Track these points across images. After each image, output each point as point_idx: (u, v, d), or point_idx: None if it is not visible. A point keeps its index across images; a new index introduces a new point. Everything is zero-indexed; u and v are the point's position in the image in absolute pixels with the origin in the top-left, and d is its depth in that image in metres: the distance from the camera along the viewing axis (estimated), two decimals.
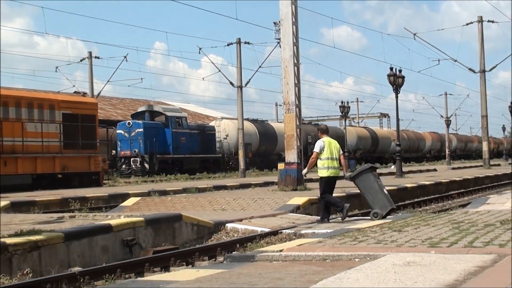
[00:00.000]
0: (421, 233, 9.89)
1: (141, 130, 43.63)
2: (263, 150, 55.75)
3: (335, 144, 15.54)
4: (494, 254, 7.46)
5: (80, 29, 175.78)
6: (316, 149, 15.33)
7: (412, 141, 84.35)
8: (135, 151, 43.50)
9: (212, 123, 55.56)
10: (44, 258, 10.90)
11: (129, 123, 44.28)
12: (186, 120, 48.79)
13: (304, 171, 16.51)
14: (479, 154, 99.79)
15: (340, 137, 66.76)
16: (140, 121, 44.70)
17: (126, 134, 43.50)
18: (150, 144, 43.36)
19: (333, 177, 15.42)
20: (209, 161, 49.75)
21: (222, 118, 58.62)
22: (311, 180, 28.88)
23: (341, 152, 15.65)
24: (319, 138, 15.81)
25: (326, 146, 15.27)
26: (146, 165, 43.57)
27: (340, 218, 15.44)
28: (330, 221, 15.17)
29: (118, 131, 43.89)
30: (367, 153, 73.73)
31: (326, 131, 16.14)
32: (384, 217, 14.29)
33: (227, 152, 53.29)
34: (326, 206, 15.54)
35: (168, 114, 46.41)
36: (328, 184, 15.46)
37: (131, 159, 43.57)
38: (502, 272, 6.36)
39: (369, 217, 14.99)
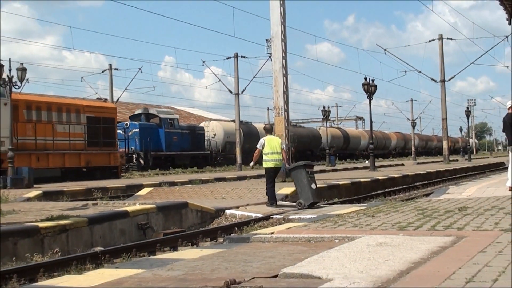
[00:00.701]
0: (391, 218, 9.87)
1: (137, 130, 42.74)
2: (247, 148, 53.31)
3: (276, 140, 15.94)
4: (453, 236, 7.44)
5: (102, 45, 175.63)
6: (258, 146, 15.75)
7: (380, 140, 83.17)
8: (131, 149, 42.51)
9: (201, 124, 54.67)
10: (71, 239, 10.89)
11: (126, 124, 43.14)
12: (178, 121, 47.86)
13: (251, 164, 16.85)
14: (438, 151, 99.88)
15: (315, 136, 66.72)
16: (136, 122, 43.75)
17: (124, 134, 42.15)
18: (145, 142, 42.55)
19: (275, 167, 15.75)
20: (199, 157, 49.02)
21: (211, 119, 57.96)
22: None
23: (283, 147, 16.01)
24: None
25: (267, 143, 15.60)
26: (142, 161, 42.75)
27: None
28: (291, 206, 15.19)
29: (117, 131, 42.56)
30: (340, 150, 72.81)
31: (269, 130, 16.56)
32: (306, 207, 14.78)
33: (214, 149, 52.72)
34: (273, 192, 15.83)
35: (162, 116, 45.49)
36: (271, 174, 15.72)
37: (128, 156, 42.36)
38: (460, 252, 6.34)
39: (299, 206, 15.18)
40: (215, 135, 53.09)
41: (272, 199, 15.69)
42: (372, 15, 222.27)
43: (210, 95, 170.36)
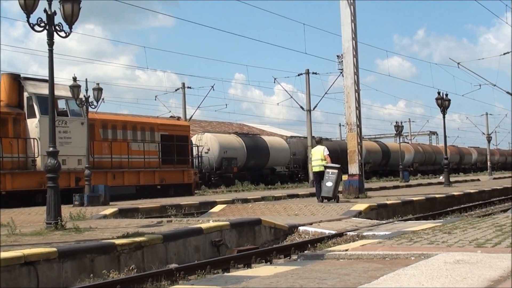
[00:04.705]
0: (468, 235, 9.63)
1: None
2: (252, 165, 47.30)
3: (318, 150, 20.52)
4: None
5: (173, 64, 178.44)
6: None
7: (428, 154, 75.84)
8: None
9: (193, 138, 44.41)
10: (146, 256, 11.04)
11: None
12: None
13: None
14: (501, 166, 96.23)
15: (344, 151, 62.45)
16: None
17: None
18: None
19: (318, 171, 20.32)
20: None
21: (204, 132, 49.28)
22: (370, 189, 28.55)
23: (326, 153, 20.17)
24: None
25: (312, 153, 20.88)
26: None
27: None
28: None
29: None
30: (378, 166, 64.35)
31: (318, 141, 21.79)
32: (322, 201, 20.07)
33: (207, 167, 43.70)
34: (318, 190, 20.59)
35: None
36: (316, 176, 20.71)
37: None
38: None
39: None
40: (208, 150, 44.08)
41: (317, 195, 20.47)
42: (442, 29, 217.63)
43: (281, 111, 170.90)
